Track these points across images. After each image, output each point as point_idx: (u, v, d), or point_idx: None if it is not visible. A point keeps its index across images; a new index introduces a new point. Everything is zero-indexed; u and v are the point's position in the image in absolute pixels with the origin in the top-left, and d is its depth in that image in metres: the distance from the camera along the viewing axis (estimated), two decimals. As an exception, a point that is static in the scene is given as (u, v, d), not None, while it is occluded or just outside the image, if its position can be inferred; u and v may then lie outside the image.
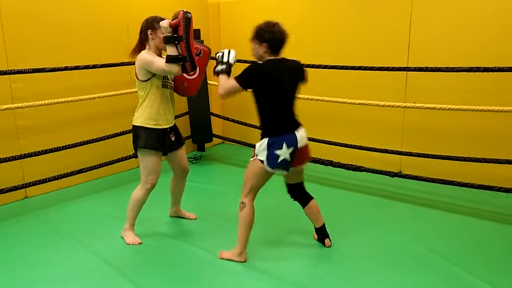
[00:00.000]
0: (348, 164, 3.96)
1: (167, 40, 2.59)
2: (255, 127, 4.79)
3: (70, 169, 3.87)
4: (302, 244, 2.99)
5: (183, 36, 2.57)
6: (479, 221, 3.34)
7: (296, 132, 2.62)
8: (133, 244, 2.97)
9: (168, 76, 2.87)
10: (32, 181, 3.65)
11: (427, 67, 3.61)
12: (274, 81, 2.55)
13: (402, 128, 4.27)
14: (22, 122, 3.73)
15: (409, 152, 3.92)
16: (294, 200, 2.94)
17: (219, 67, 2.63)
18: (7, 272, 2.66)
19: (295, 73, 2.68)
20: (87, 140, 3.96)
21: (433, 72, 3.66)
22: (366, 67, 3.88)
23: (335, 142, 4.29)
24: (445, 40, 3.92)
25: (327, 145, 4.36)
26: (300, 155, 2.66)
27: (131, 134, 2.95)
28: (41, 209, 3.60)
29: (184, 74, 2.90)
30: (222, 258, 2.77)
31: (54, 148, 3.75)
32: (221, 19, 5.42)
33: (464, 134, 3.95)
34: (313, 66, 4.21)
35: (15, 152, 3.62)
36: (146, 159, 2.87)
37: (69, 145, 3.85)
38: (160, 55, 2.81)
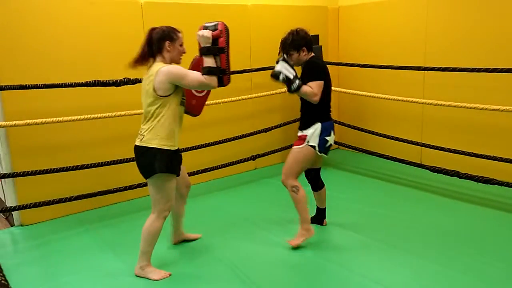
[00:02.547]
0: (477, 175, 3.60)
1: (208, 51, 2.47)
2: (371, 132, 4.65)
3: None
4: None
5: (225, 48, 2.49)
6: None
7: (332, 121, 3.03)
8: (163, 279, 2.69)
9: (184, 93, 2.65)
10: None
11: None
12: (327, 73, 2.93)
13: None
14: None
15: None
16: (309, 182, 3.25)
17: (296, 84, 2.78)
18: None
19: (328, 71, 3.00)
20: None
21: None
22: (502, 69, 3.49)
23: (462, 151, 3.94)
24: None
25: (452, 153, 4.02)
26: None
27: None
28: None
29: (194, 91, 2.78)
30: (297, 245, 2.95)
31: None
32: (341, 24, 5.38)
33: None
34: (440, 69, 3.94)
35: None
36: (165, 184, 2.61)
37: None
38: None
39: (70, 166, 3.54)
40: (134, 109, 3.69)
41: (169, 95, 2.50)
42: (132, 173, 3.36)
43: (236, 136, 4.46)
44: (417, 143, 4.32)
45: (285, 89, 4.70)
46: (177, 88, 2.54)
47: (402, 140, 4.40)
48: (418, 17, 4.53)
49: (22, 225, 3.62)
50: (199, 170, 4.21)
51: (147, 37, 2.58)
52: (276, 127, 4.82)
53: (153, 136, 2.53)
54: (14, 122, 3.29)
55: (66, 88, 3.46)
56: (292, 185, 2.94)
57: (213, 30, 2.49)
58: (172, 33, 2.57)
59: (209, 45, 2.48)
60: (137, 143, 2.59)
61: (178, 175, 2.71)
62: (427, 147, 4.25)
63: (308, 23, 5.23)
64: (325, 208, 3.36)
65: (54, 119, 3.41)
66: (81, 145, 3.77)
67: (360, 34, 5.16)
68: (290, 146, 4.97)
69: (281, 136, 5.01)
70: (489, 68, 3.56)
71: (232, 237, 3.22)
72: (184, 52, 2.64)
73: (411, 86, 4.57)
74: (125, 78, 3.55)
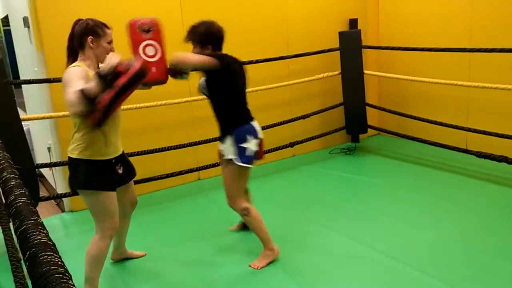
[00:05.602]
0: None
1: (101, 78, 2.00)
2: (413, 117, 4.52)
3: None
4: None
5: (120, 91, 2.02)
6: None
7: (253, 123, 2.61)
8: None
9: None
10: (204, 165, 4.15)
11: None
12: (239, 69, 2.56)
13: None
14: (198, 113, 4.22)
15: None
16: None
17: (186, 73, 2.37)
18: (186, 242, 3.12)
19: (243, 68, 2.66)
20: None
21: None
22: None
23: (510, 136, 3.77)
24: None
25: (500, 138, 3.85)
26: (261, 148, 2.65)
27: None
28: (211, 190, 4.06)
29: (143, 55, 2.23)
30: (261, 268, 2.64)
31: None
32: (380, 7, 5.22)
33: None
34: (487, 50, 3.77)
35: (192, 139, 4.13)
36: (97, 201, 2.26)
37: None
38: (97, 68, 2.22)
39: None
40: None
41: None
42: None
43: (274, 123, 4.46)
44: (462, 128, 4.16)
45: (323, 74, 4.69)
46: None
47: (446, 125, 4.25)
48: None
49: (72, 211, 3.81)
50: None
51: (71, 31, 2.24)
52: (314, 113, 4.78)
53: (74, 146, 2.22)
54: (62, 113, 3.43)
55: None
56: (241, 208, 2.63)
57: (147, 31, 2.16)
58: (96, 27, 2.20)
59: (107, 73, 2.01)
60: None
61: (109, 190, 2.28)
62: (473, 131, 4.08)
63: (347, 7, 5.14)
64: None
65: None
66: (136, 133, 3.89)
67: (401, 17, 4.99)
68: (329, 133, 4.98)
69: (320, 123, 4.97)
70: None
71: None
72: (112, 51, 2.22)
73: (456, 69, 4.39)
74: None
